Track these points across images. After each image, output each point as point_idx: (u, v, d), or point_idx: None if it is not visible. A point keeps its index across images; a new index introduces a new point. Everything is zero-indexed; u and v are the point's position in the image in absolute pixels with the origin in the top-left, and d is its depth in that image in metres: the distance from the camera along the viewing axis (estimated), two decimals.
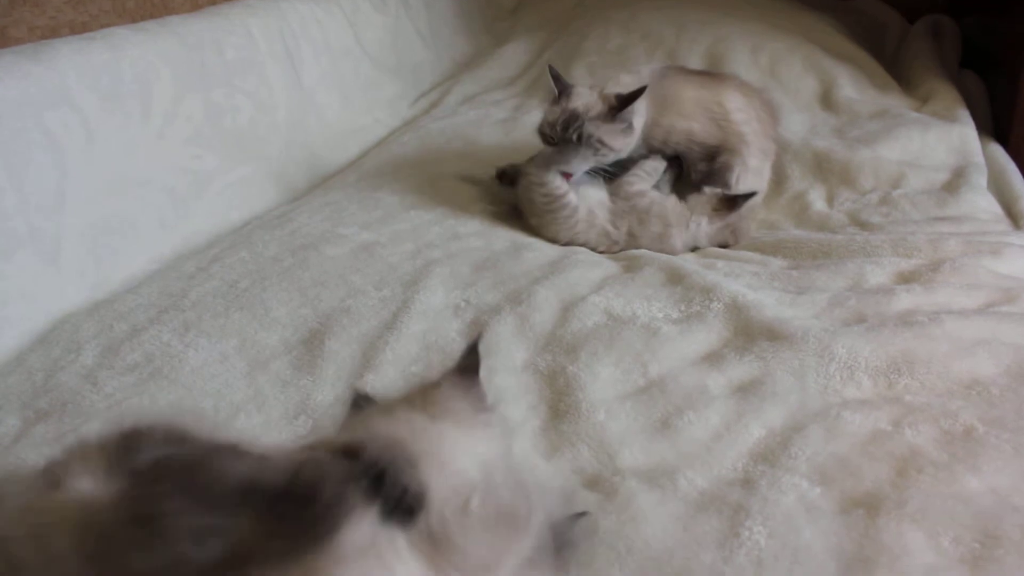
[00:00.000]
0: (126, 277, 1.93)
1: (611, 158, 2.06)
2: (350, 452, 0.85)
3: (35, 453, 1.34)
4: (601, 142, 2.01)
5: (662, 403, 1.44)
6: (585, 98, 2.05)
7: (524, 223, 2.15)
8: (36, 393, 1.51)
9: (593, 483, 1.28)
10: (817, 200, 2.38)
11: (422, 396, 0.99)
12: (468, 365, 1.06)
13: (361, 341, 1.62)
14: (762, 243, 2.12)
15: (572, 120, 2.00)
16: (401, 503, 0.83)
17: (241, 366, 1.56)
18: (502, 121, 2.85)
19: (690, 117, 2.15)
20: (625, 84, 2.08)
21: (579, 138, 2.00)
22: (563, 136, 2.01)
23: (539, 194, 2.06)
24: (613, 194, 2.09)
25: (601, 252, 2.05)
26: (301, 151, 2.59)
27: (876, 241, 1.99)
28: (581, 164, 2.06)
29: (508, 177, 2.29)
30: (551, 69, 2.09)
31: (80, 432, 1.38)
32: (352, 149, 2.79)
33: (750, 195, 2.12)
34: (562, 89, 2.06)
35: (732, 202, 2.09)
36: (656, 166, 2.13)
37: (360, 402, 1.08)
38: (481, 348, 1.05)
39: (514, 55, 3.48)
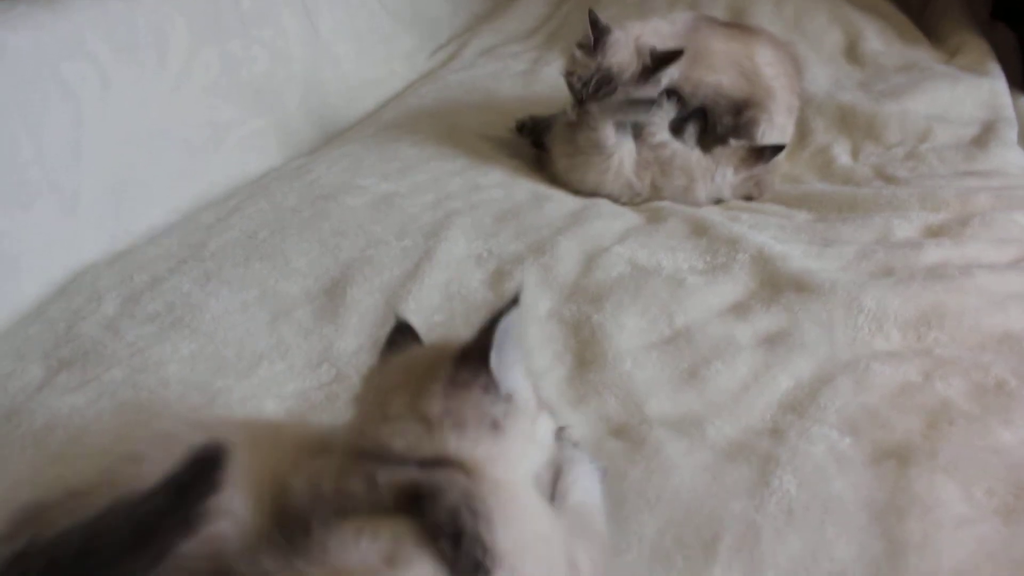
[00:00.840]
0: (145, 228, 1.91)
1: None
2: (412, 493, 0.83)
3: (59, 401, 1.33)
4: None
5: (689, 353, 1.42)
6: (620, 54, 1.99)
7: (545, 174, 2.12)
8: (58, 342, 1.50)
9: (620, 432, 1.26)
10: (842, 154, 2.33)
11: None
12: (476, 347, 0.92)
13: (383, 290, 1.60)
14: (786, 196, 2.09)
15: (605, 82, 1.96)
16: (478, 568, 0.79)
17: (263, 315, 1.55)
18: (521, 73, 2.81)
19: (719, 71, 2.11)
20: (660, 33, 2.04)
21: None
22: (593, 97, 1.97)
23: (586, 138, 2.02)
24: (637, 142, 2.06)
25: (623, 204, 2.02)
26: (318, 103, 2.56)
27: (903, 195, 1.96)
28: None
29: (528, 130, 2.25)
30: (591, 13, 2.03)
31: (103, 380, 1.38)
32: (369, 101, 2.75)
33: (779, 147, 2.08)
34: (598, 37, 2.00)
35: (759, 154, 2.06)
36: (668, 109, 2.09)
37: (400, 333, 1.05)
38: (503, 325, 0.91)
39: (533, 7, 3.42)
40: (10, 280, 1.65)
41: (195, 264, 1.69)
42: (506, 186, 2.05)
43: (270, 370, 1.42)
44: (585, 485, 1.02)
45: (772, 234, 1.80)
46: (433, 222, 1.83)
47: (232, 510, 0.91)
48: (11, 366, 1.44)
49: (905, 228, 1.82)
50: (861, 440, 1.23)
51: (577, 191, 2.04)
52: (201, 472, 0.81)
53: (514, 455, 0.90)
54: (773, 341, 1.45)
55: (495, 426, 0.88)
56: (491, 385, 0.89)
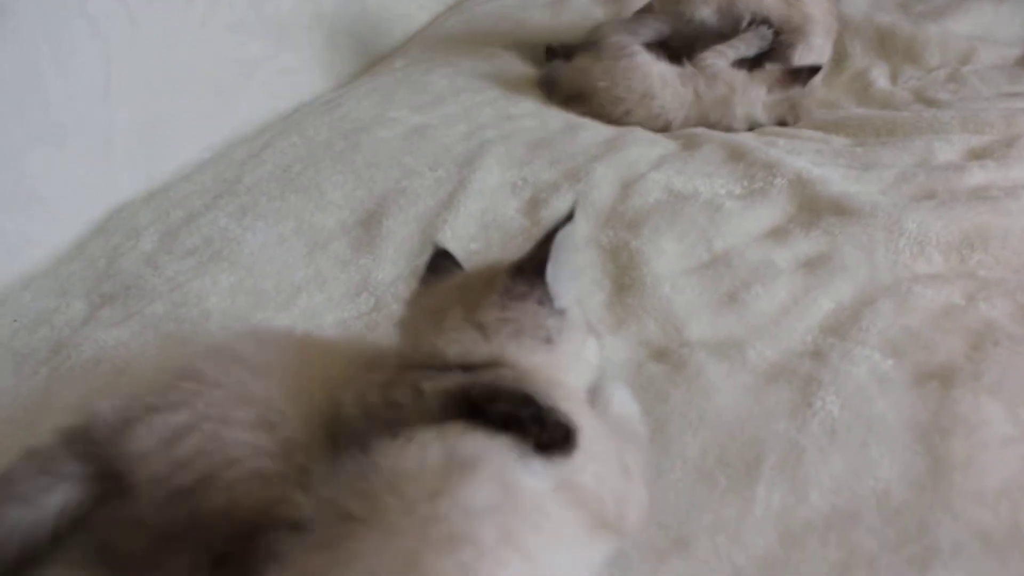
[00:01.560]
0: (178, 166, 1.92)
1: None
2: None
3: (104, 335, 1.35)
4: None
5: (728, 277, 1.41)
6: None
7: (577, 104, 2.09)
8: (99, 279, 1.52)
9: (660, 355, 1.26)
10: (880, 78, 2.28)
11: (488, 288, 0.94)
12: (533, 260, 0.93)
13: (419, 220, 1.60)
14: (823, 122, 2.05)
15: None
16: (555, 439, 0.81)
17: (300, 247, 1.55)
18: (550, 3, 2.76)
19: None
20: None
21: None
22: None
23: (611, 46, 2.02)
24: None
25: (660, 130, 1.99)
26: (346, 38, 2.54)
27: (945, 118, 1.91)
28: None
29: (560, 56, 2.22)
30: None
31: (145, 313, 1.39)
32: (397, 35, 2.73)
33: (816, 68, 2.04)
34: None
35: (795, 76, 2.02)
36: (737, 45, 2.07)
37: (440, 259, 1.06)
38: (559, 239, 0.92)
39: None
40: (48, 219, 1.66)
41: (230, 199, 1.70)
42: (538, 115, 2.03)
43: (309, 301, 1.43)
44: (622, 399, 1.04)
45: (810, 158, 1.77)
46: (466, 152, 1.82)
47: (277, 423, 0.93)
48: (55, 302, 1.46)
49: (947, 151, 1.78)
50: (903, 362, 1.22)
51: (612, 112, 2.02)
52: None
53: (564, 368, 0.90)
54: (813, 265, 1.44)
55: (548, 339, 0.91)
56: (546, 298, 0.91)
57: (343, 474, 0.79)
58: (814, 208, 1.57)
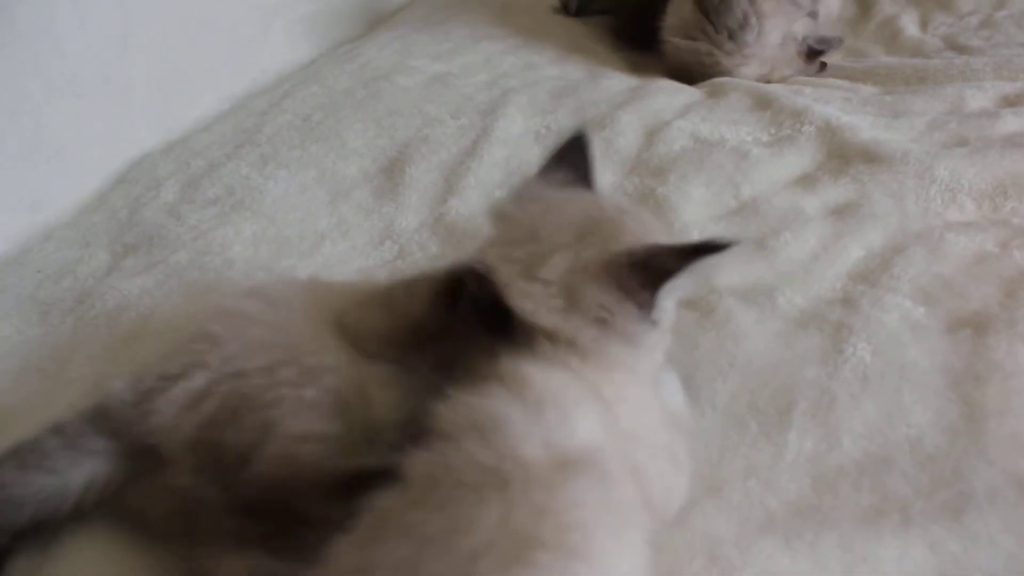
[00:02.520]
0: (197, 117, 1.90)
1: None
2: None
3: (128, 284, 1.34)
4: None
5: (756, 224, 1.39)
6: None
7: (598, 54, 2.06)
8: (122, 229, 1.51)
9: (689, 302, 1.24)
10: (909, 25, 2.24)
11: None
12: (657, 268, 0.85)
13: (442, 168, 1.58)
14: (850, 70, 2.01)
15: None
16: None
17: (322, 196, 1.54)
18: None
19: None
20: None
21: None
22: None
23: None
24: None
25: None
26: None
27: (977, 64, 1.88)
28: None
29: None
30: None
31: (169, 263, 1.39)
32: None
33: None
34: None
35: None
36: None
37: (573, 151, 1.02)
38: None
39: None
40: (69, 171, 1.65)
41: (251, 149, 1.68)
42: (560, 63, 2.01)
43: (333, 249, 1.42)
44: (672, 389, 1.02)
45: (838, 106, 1.75)
46: (489, 100, 1.80)
47: (333, 367, 0.93)
48: (79, 253, 1.46)
49: (979, 98, 1.75)
50: (936, 309, 1.20)
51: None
52: None
53: (638, 363, 0.88)
54: (842, 212, 1.41)
55: (632, 341, 0.86)
56: (648, 306, 0.85)
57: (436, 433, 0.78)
58: (843, 155, 1.55)
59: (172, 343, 1.01)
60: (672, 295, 0.87)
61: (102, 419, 0.94)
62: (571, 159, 1.00)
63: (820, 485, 0.97)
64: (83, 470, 0.92)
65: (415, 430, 0.79)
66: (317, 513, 0.82)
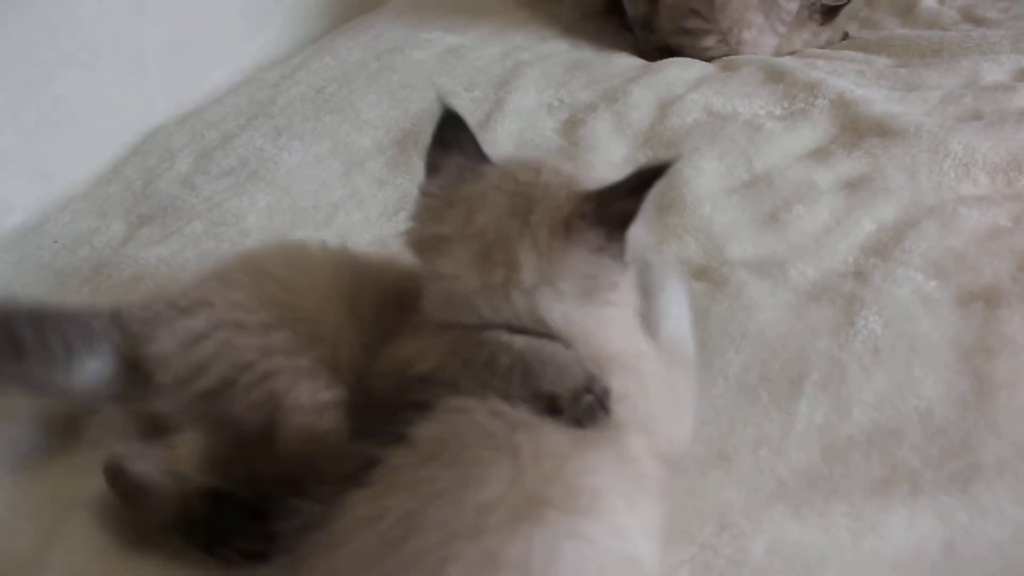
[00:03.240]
0: (210, 89, 1.90)
1: None
2: None
3: (145, 253, 1.36)
4: None
5: (769, 197, 1.39)
6: None
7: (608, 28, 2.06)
8: (136, 200, 1.53)
9: (702, 273, 1.26)
10: None
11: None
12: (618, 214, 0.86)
13: None
14: (865, 42, 2.00)
15: None
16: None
17: (336, 167, 1.55)
18: None
19: None
20: None
21: None
22: None
23: None
24: None
25: None
26: None
27: (994, 37, 1.86)
28: None
29: None
30: None
31: (184, 233, 1.40)
32: None
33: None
34: None
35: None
36: None
37: (452, 131, 0.99)
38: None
39: None
40: (84, 142, 1.66)
41: (265, 120, 1.69)
42: (572, 37, 2.00)
43: (347, 220, 1.43)
44: (674, 313, 1.02)
45: (852, 80, 1.74)
46: (502, 73, 1.80)
47: (325, 338, 0.95)
48: (95, 223, 1.47)
49: (995, 71, 1.74)
50: (948, 283, 1.21)
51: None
52: None
53: (620, 299, 0.89)
54: (855, 185, 1.42)
55: (615, 287, 0.87)
56: (620, 253, 0.86)
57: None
58: (856, 129, 1.55)
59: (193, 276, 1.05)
60: (637, 232, 0.86)
61: (117, 321, 0.97)
62: (453, 140, 0.97)
63: (830, 455, 0.98)
64: (97, 359, 0.95)
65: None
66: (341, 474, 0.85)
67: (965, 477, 0.94)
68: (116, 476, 0.91)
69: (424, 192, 0.94)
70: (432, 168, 0.95)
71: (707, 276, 1.24)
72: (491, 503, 0.71)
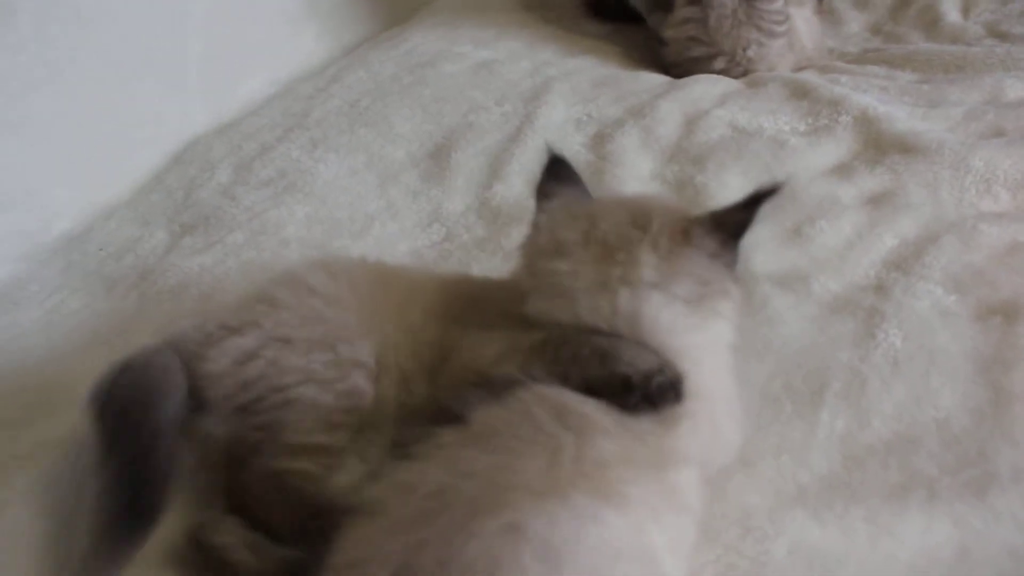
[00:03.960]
0: (246, 100, 1.95)
1: None
2: None
3: (188, 262, 1.42)
4: None
5: (793, 212, 1.42)
6: None
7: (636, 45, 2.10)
8: (178, 209, 1.58)
9: None
10: (951, 11, 2.22)
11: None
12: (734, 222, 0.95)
13: (487, 154, 1.63)
14: (889, 56, 2.02)
15: None
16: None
17: (371, 179, 1.60)
18: None
19: None
20: None
21: None
22: None
23: None
24: None
25: None
26: None
27: (1018, 53, 1.88)
28: None
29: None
30: None
31: (226, 242, 1.45)
32: None
33: None
34: None
35: None
36: None
37: (559, 170, 1.06)
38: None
39: None
40: (126, 151, 1.71)
41: (301, 132, 1.74)
42: (600, 52, 2.04)
43: (382, 230, 1.48)
44: None
45: (875, 96, 1.76)
46: (532, 88, 1.84)
47: (364, 362, 0.99)
48: (138, 231, 1.53)
49: (1018, 88, 1.75)
50: (967, 297, 1.23)
51: None
52: None
53: (727, 311, 0.96)
54: (877, 201, 1.44)
55: (728, 296, 0.95)
56: (733, 262, 0.95)
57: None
58: (879, 145, 1.57)
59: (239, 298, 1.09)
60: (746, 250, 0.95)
61: (176, 348, 1.02)
62: (562, 175, 1.05)
63: (850, 462, 1.02)
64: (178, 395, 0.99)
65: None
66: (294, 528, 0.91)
67: (980, 484, 0.97)
68: (198, 549, 0.94)
69: (543, 208, 1.02)
70: (544, 195, 1.04)
71: None
72: (519, 484, 0.76)
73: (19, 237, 1.49)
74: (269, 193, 1.57)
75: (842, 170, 1.53)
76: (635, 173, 1.55)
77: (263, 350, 1.00)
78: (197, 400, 1.00)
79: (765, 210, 0.93)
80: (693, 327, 0.92)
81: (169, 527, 0.95)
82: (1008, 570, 0.90)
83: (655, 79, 1.90)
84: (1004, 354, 1.14)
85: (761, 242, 1.37)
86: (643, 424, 0.85)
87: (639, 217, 0.95)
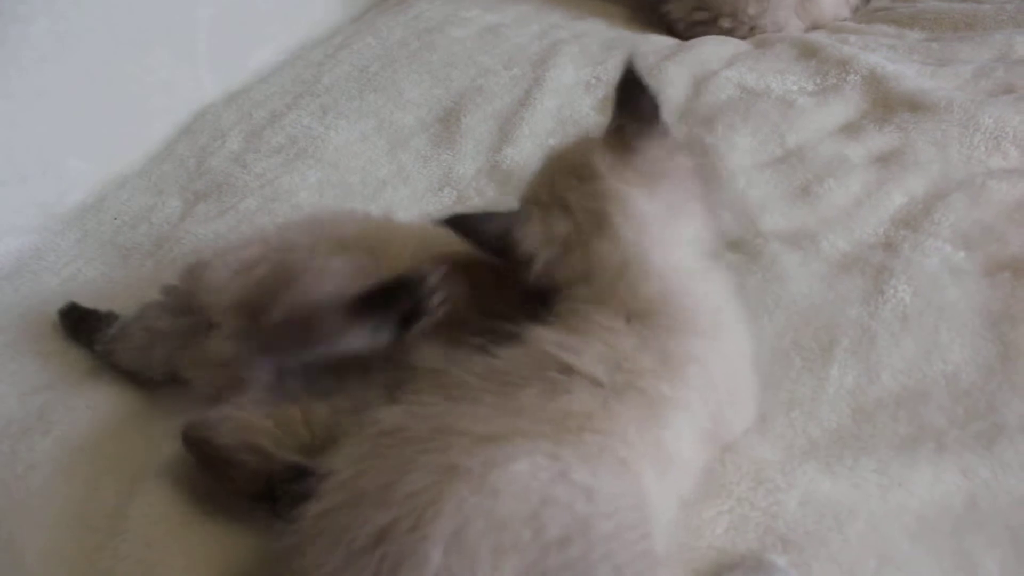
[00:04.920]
0: (256, 68, 1.96)
1: None
2: None
3: (203, 228, 1.43)
4: None
5: (801, 171, 1.43)
6: None
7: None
8: (191, 177, 1.59)
9: (736, 246, 1.30)
10: None
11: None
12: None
13: (496, 117, 1.64)
14: (897, 15, 2.00)
15: None
16: None
17: (382, 144, 1.61)
18: None
19: None
20: None
21: None
22: None
23: None
24: None
25: None
26: None
27: None
28: None
29: None
30: None
31: (239, 209, 1.46)
32: None
33: None
34: None
35: None
36: None
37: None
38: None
39: None
40: (137, 121, 1.72)
41: (311, 99, 1.75)
42: (608, 15, 2.04)
43: (394, 195, 1.49)
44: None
45: (884, 55, 1.76)
46: (540, 51, 1.84)
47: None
48: (152, 200, 1.54)
49: None
50: (975, 253, 1.24)
51: None
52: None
53: None
54: (886, 159, 1.45)
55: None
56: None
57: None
58: (888, 104, 1.58)
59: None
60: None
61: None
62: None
63: (860, 416, 1.03)
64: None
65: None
66: (333, 329, 0.94)
67: (989, 436, 0.99)
68: (197, 445, 0.96)
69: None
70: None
71: (741, 248, 1.29)
72: (467, 431, 0.79)
73: (35, 208, 1.50)
74: (280, 160, 1.58)
75: (851, 129, 1.54)
76: None
77: (269, 255, 1.03)
78: (204, 318, 1.02)
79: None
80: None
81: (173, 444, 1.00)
82: (1015, 519, 0.92)
83: (663, 41, 1.90)
84: (1012, 309, 1.15)
85: (769, 201, 1.38)
86: (643, 362, 0.86)
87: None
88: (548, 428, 0.80)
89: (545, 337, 0.88)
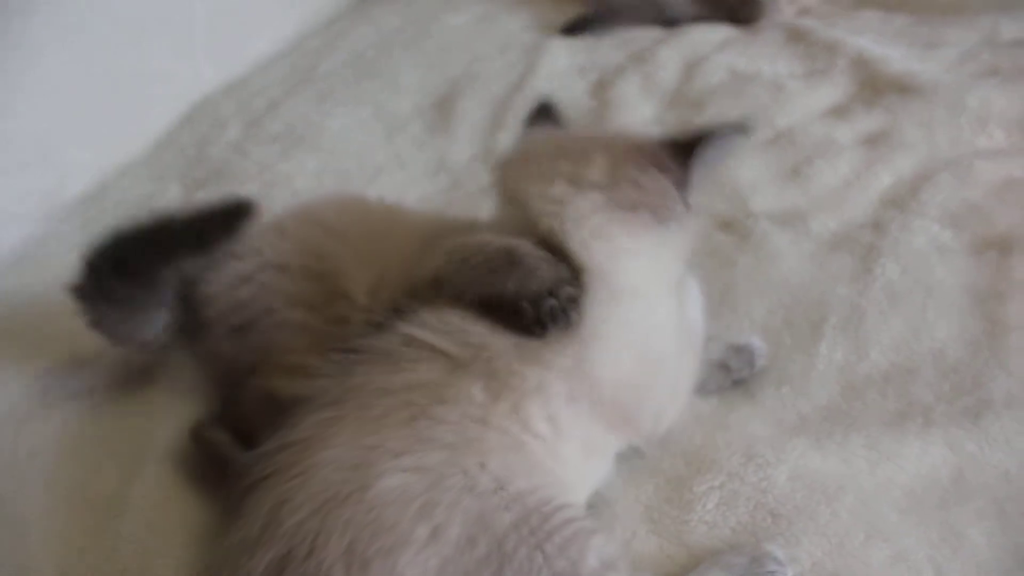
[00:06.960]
0: (254, 58, 1.98)
1: None
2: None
3: None
4: None
5: (791, 153, 1.46)
6: None
7: None
8: (191, 165, 1.61)
9: (727, 226, 1.32)
10: None
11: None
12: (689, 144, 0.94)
13: (491, 103, 1.66)
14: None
15: None
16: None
17: (378, 130, 1.63)
18: None
19: None
20: None
21: None
22: None
23: None
24: None
25: None
26: None
27: None
28: None
29: None
30: None
31: (239, 194, 1.47)
32: None
33: None
34: None
35: None
36: None
37: (544, 112, 1.11)
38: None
39: None
40: (137, 111, 1.74)
41: (308, 87, 1.77)
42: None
43: (390, 180, 1.51)
44: (695, 296, 1.04)
45: (871, 39, 1.78)
46: (534, 37, 1.86)
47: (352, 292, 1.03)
48: (153, 187, 1.56)
49: (1013, 28, 1.77)
50: (962, 232, 1.26)
51: None
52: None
53: (661, 251, 0.94)
54: (874, 141, 1.47)
55: (661, 219, 0.93)
56: (684, 183, 0.93)
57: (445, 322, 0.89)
58: (875, 87, 1.60)
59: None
60: (703, 178, 0.93)
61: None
62: (547, 119, 1.09)
63: (849, 392, 1.06)
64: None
65: None
66: None
67: (975, 411, 1.01)
68: (199, 441, 1.02)
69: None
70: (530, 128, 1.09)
71: (732, 228, 1.32)
72: (335, 460, 0.80)
73: (37, 197, 1.52)
74: (279, 147, 1.60)
75: (839, 111, 1.56)
76: (636, 118, 1.58)
77: (258, 274, 1.05)
78: (198, 320, 1.05)
79: (730, 145, 0.94)
80: (624, 234, 0.91)
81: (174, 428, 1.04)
82: (1001, 492, 0.94)
83: (655, 26, 1.91)
84: (999, 286, 1.17)
85: (760, 182, 1.40)
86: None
87: (607, 137, 0.99)
88: (407, 435, 0.81)
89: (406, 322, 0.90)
